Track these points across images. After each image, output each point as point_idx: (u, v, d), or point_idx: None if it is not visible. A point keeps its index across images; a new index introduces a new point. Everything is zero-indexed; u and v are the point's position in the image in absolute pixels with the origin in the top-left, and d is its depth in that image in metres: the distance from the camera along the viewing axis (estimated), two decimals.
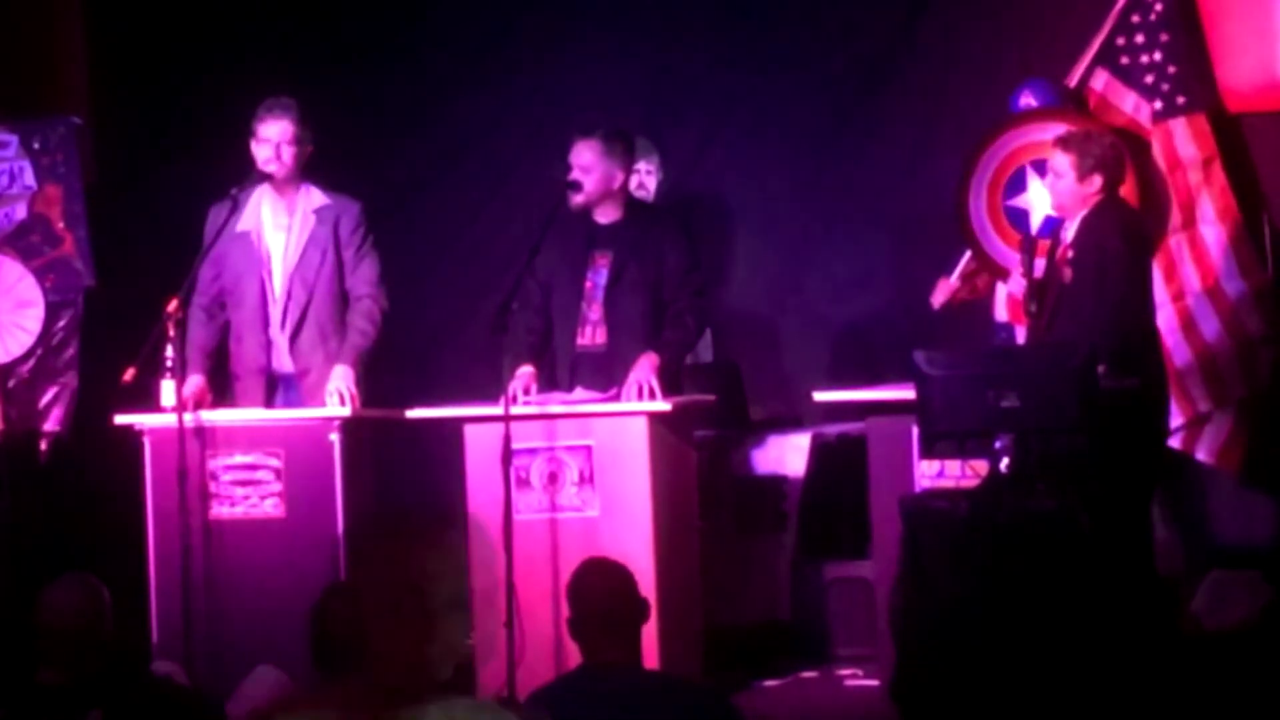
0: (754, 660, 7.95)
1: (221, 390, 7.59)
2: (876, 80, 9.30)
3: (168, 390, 7.25)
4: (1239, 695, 6.51)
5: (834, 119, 9.35)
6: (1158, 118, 8.42)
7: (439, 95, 9.75)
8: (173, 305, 7.18)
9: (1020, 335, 8.12)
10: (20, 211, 8.88)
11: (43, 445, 8.72)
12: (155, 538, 7.33)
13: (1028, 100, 8.37)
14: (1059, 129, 7.71)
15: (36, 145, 8.86)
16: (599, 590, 4.73)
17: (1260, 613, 7.73)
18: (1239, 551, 8.19)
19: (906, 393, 6.99)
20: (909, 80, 9.24)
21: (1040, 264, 7.50)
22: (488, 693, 6.88)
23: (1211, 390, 8.32)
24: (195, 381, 7.42)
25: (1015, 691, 6.41)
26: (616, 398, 7.27)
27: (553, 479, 7.18)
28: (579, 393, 7.37)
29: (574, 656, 4.76)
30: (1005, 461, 6.66)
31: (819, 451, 8.42)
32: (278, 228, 7.62)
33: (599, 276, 7.55)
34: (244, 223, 7.60)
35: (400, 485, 8.58)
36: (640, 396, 7.21)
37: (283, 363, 7.61)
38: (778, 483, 8.47)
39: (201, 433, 7.32)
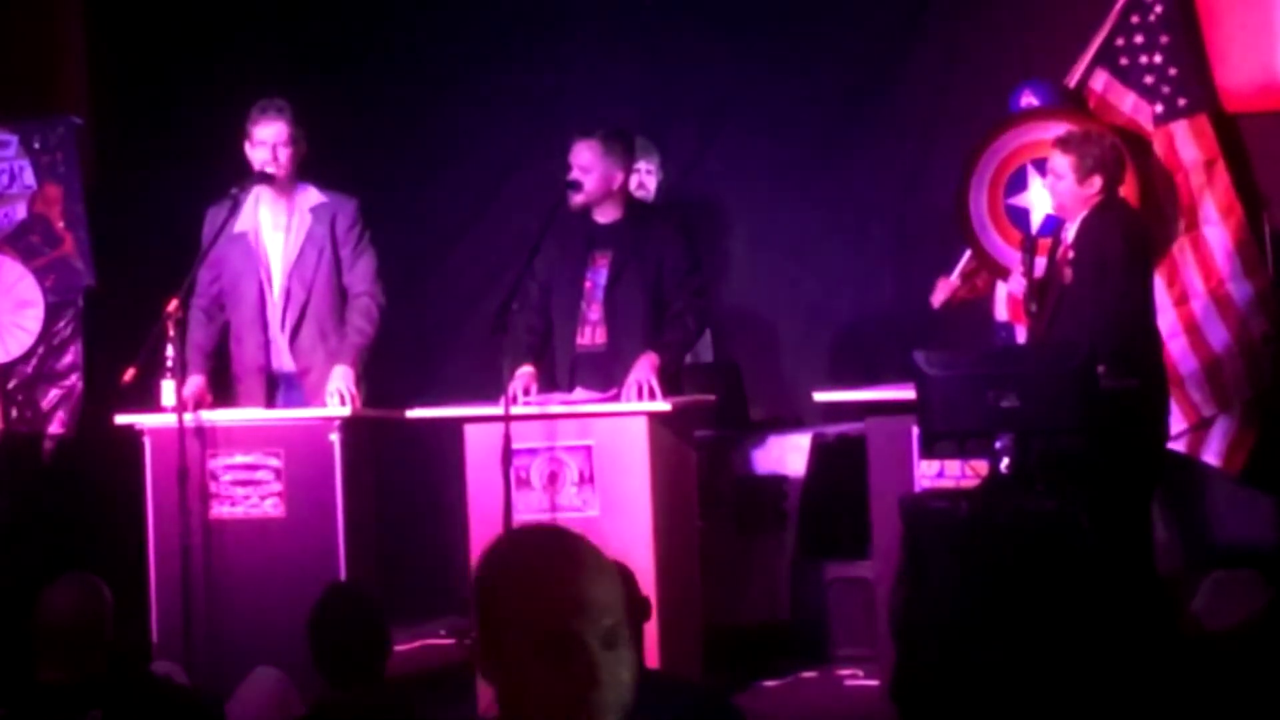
0: (754, 660, 7.95)
1: (222, 391, 7.59)
2: (877, 80, 9.30)
3: (168, 390, 7.25)
4: (1239, 695, 6.49)
5: (834, 119, 9.35)
6: (1158, 121, 8.41)
7: (437, 95, 9.75)
8: (173, 305, 7.17)
9: (1020, 335, 8.12)
10: (20, 211, 8.87)
11: (47, 447, 8.72)
12: (155, 538, 7.32)
13: (1028, 100, 8.36)
14: (1060, 128, 7.70)
15: (36, 145, 8.86)
16: None
17: (1260, 613, 7.72)
18: (1239, 551, 8.19)
19: (906, 393, 6.99)
20: (909, 80, 9.24)
21: (1041, 263, 7.49)
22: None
23: (1216, 395, 8.32)
24: (195, 381, 7.41)
25: (1015, 692, 6.41)
26: (616, 398, 7.26)
27: (553, 479, 7.18)
28: (579, 393, 7.36)
29: None
30: (1005, 461, 6.65)
31: (819, 451, 8.41)
32: (275, 228, 7.62)
33: (599, 276, 7.54)
34: (242, 224, 7.59)
35: (400, 485, 8.59)
36: (640, 396, 7.20)
37: (283, 362, 7.61)
38: (778, 483, 8.46)
39: (202, 433, 7.32)
